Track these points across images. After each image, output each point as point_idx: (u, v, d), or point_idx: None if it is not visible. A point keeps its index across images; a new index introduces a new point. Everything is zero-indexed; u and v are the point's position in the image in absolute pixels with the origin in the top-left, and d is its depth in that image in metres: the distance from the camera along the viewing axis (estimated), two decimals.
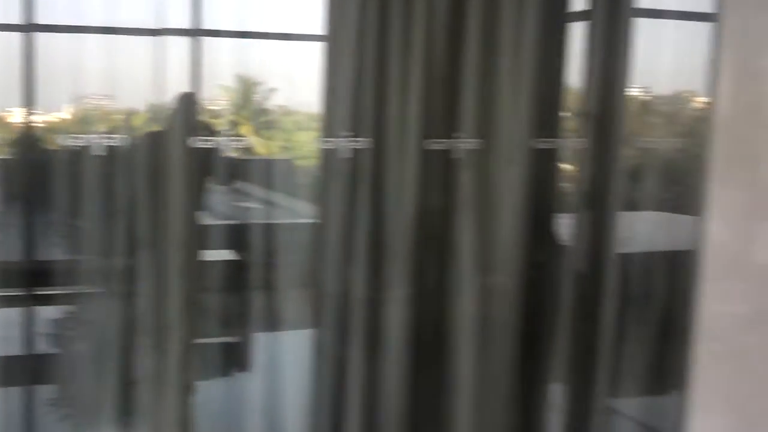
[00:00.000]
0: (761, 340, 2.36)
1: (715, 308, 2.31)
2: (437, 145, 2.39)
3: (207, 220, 2.67)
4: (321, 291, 2.52)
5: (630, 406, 2.64)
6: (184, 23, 2.50)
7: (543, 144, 2.51)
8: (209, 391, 2.58)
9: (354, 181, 2.42)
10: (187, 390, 2.47)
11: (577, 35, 2.62)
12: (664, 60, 2.66)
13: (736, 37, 2.26)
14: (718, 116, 2.28)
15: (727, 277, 2.32)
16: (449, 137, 2.39)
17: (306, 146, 2.84)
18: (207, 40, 2.57)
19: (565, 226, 2.65)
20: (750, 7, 2.25)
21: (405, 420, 2.46)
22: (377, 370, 2.44)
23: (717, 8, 2.24)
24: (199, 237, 2.53)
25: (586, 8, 2.64)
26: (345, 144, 2.39)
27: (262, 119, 2.99)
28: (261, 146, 2.96)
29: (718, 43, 2.25)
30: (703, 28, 2.36)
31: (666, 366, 2.51)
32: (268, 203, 2.81)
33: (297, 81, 2.68)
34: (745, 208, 2.33)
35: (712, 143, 2.28)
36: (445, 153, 2.39)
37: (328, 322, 2.50)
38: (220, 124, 2.71)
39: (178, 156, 2.40)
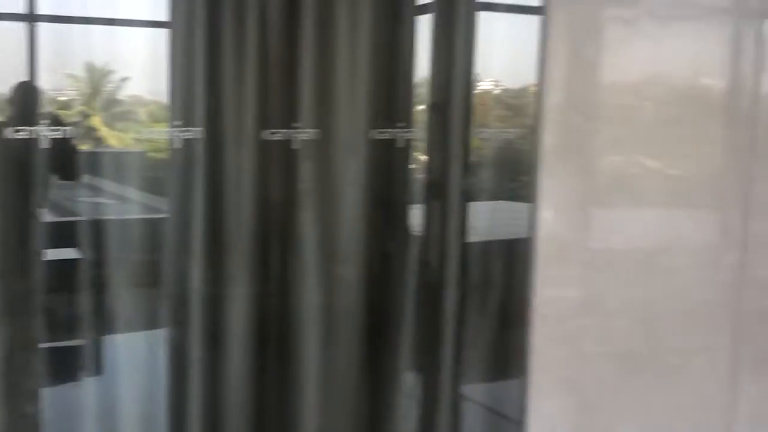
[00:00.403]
0: (594, 322, 2.45)
1: (550, 293, 2.38)
2: (276, 135, 2.36)
3: (49, 217, 2.56)
4: (166, 289, 2.46)
5: (478, 391, 2.70)
6: (20, 8, 2.39)
7: (388, 135, 2.53)
8: (52, 398, 2.48)
9: (198, 174, 2.37)
10: (23, 398, 2.37)
11: (423, 27, 2.64)
12: (510, 53, 2.72)
13: (563, 29, 2.33)
14: (549, 107, 2.35)
15: (560, 262, 2.40)
16: (288, 127, 2.37)
17: (156, 137, 2.76)
18: (52, 27, 2.47)
19: (415, 216, 2.67)
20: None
21: (251, 418, 2.43)
22: (222, 367, 2.40)
23: (544, 1, 2.31)
24: (35, 235, 2.42)
25: (431, 0, 2.67)
26: (186, 135, 2.33)
27: (113, 110, 2.90)
28: (112, 138, 2.86)
29: (546, 35, 2.32)
30: (537, 21, 2.41)
31: (509, 351, 2.57)
32: (118, 198, 2.72)
33: (150, 70, 2.61)
34: (576, 196, 2.42)
35: (542, 134, 2.35)
36: (285, 143, 2.37)
37: (174, 320, 2.45)
38: (68, 115, 2.61)
39: (12, 149, 2.29)
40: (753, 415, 2.64)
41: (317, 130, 2.38)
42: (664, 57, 2.44)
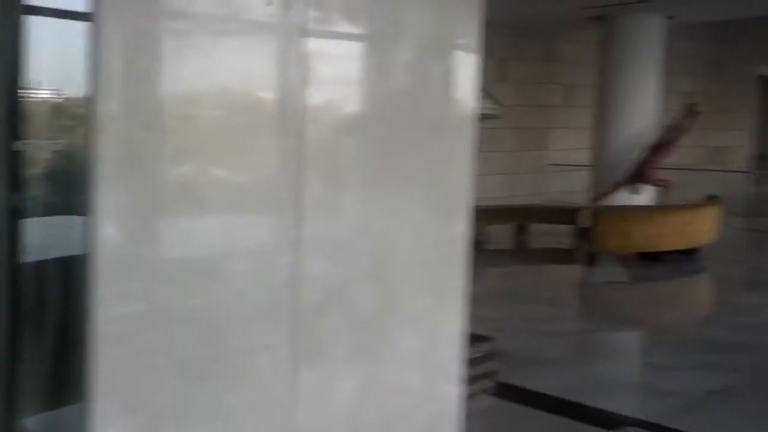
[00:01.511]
0: (158, 335, 2.42)
1: (112, 311, 2.29)
2: None
3: None
4: None
5: (38, 422, 2.49)
6: None
7: None
8: None
9: None
10: None
11: None
12: (64, 60, 2.54)
13: (115, 37, 2.25)
14: (104, 117, 2.26)
15: (121, 277, 2.32)
16: None
17: None
18: None
19: None
20: (126, 7, 2.26)
21: None
22: None
23: (93, 8, 2.20)
24: None
25: None
26: None
27: None
28: None
29: (97, 43, 2.22)
30: (88, 28, 2.29)
31: (70, 376, 2.41)
32: None
33: None
34: (138, 208, 2.36)
35: (98, 145, 2.24)
36: None
37: None
38: None
39: None
40: (312, 404, 2.87)
41: None
42: (218, 70, 2.50)
